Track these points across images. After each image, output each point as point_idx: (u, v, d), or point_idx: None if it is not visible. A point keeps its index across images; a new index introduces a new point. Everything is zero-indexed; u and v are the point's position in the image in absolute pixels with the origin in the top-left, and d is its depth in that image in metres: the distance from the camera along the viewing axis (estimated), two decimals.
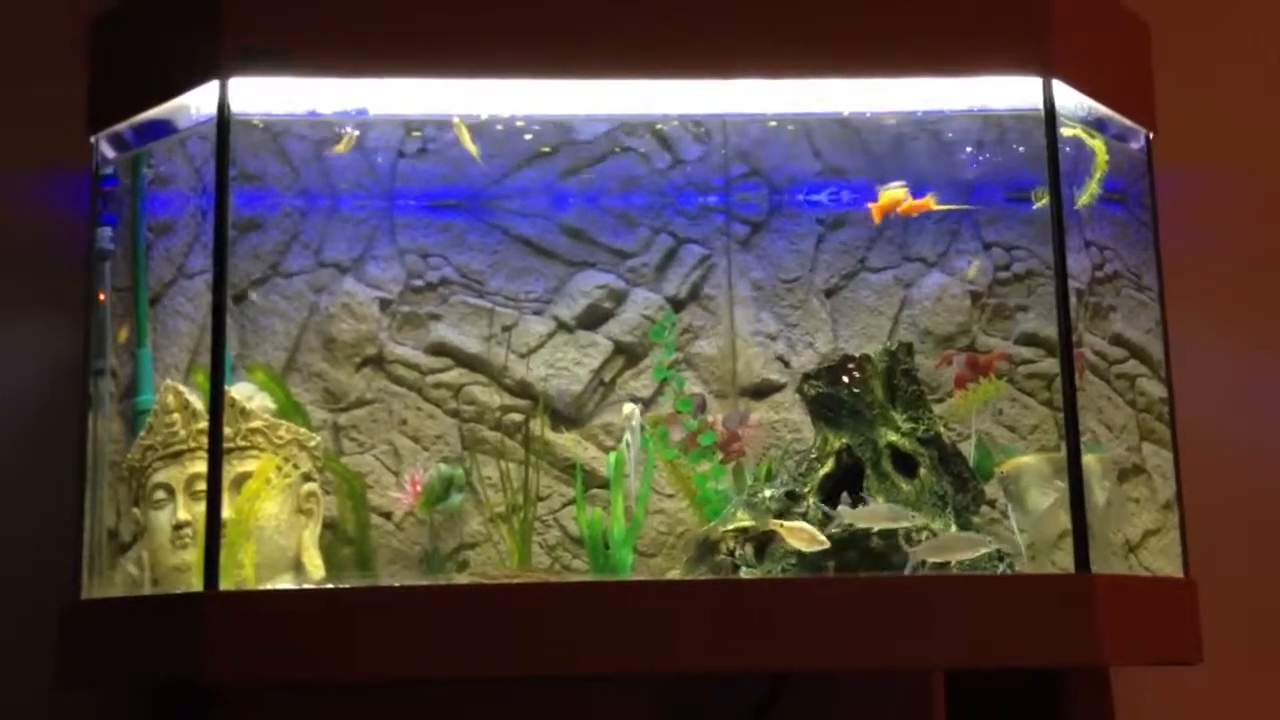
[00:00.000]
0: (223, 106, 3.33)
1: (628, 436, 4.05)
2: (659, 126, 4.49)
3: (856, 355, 3.95)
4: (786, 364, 4.33)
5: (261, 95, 3.57)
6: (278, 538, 3.63)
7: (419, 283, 4.25)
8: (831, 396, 3.74)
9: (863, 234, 4.61)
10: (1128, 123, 4.25)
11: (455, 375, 4.22)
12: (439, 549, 4.01)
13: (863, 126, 4.53)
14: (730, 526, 3.61)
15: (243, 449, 3.85)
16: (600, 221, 4.28)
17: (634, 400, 4.32)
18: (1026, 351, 4.69)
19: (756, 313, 4.36)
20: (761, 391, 4.32)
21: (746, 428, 4.25)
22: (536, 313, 4.26)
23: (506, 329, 4.24)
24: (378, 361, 4.19)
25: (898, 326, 4.60)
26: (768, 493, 3.69)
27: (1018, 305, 4.69)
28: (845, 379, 3.92)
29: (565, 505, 4.15)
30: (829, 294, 4.40)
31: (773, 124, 4.50)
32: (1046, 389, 4.62)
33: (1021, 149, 4.36)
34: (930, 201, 4.25)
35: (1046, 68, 3.58)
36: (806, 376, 3.76)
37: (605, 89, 3.70)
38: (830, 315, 4.60)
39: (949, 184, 4.63)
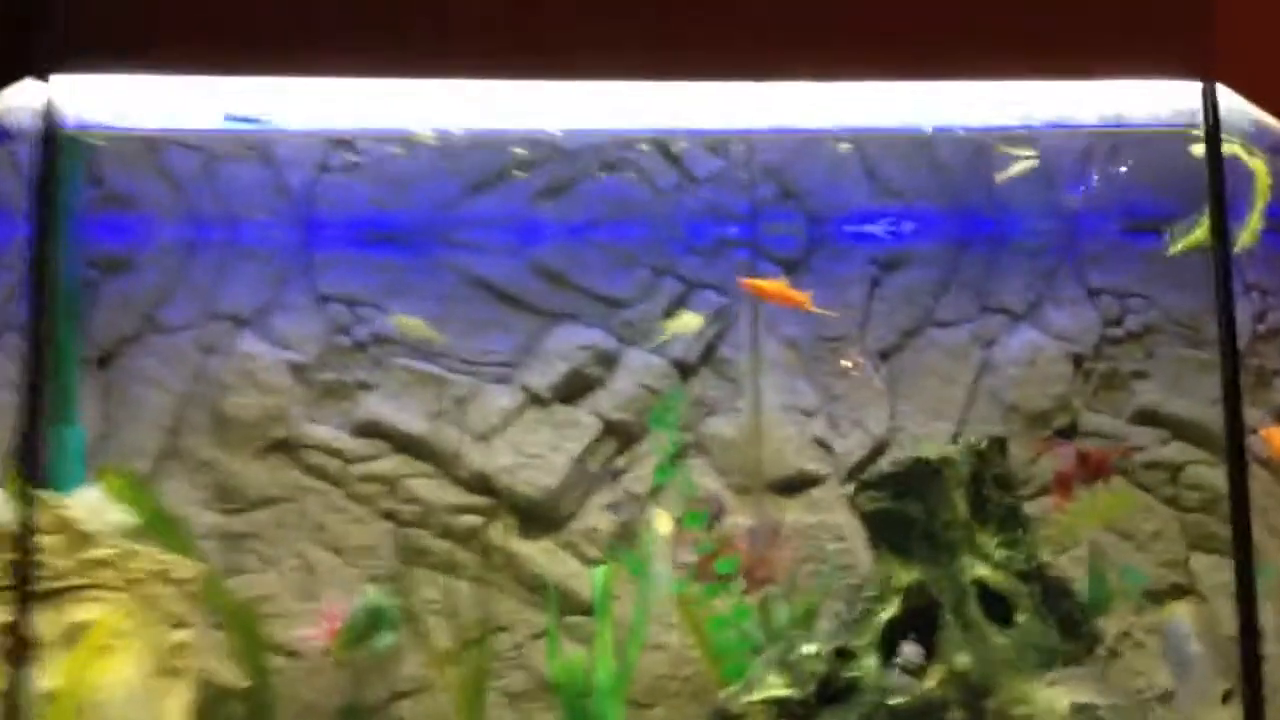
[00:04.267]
0: (48, 111, 3.04)
1: (661, 566, 3.62)
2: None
3: (932, 458, 3.35)
4: (828, 449, 4.07)
5: (134, 99, 3.36)
6: (131, 710, 3.20)
7: (344, 340, 3.97)
8: (897, 514, 3.29)
9: (930, 276, 4.20)
10: None
11: (391, 465, 3.93)
12: (361, 701, 3.74)
13: (933, 141, 4.13)
14: (757, 696, 3.20)
15: (80, 589, 3.21)
16: (585, 259, 4.03)
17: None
18: (1142, 433, 4.25)
19: (789, 381, 4.08)
20: (795, 485, 4.04)
21: (777, 547, 3.78)
22: (500, 380, 3.98)
23: (461, 403, 3.95)
24: (288, 446, 3.91)
25: (976, 400, 4.18)
26: (809, 649, 3.25)
27: (1133, 371, 4.25)
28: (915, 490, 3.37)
29: (534, 638, 3.87)
30: (885, 356, 4.16)
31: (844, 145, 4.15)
32: (1170, 483, 4.20)
33: (1142, 169, 4.06)
34: (806, 301, 3.88)
35: (1208, 71, 3.29)
36: (863, 485, 3.35)
37: (597, 92, 3.44)
38: (887, 384, 4.15)
39: (1044, 212, 4.26)
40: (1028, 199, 4.14)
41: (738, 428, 4.04)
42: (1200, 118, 3.39)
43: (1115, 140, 3.99)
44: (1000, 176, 3.84)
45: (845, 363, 3.97)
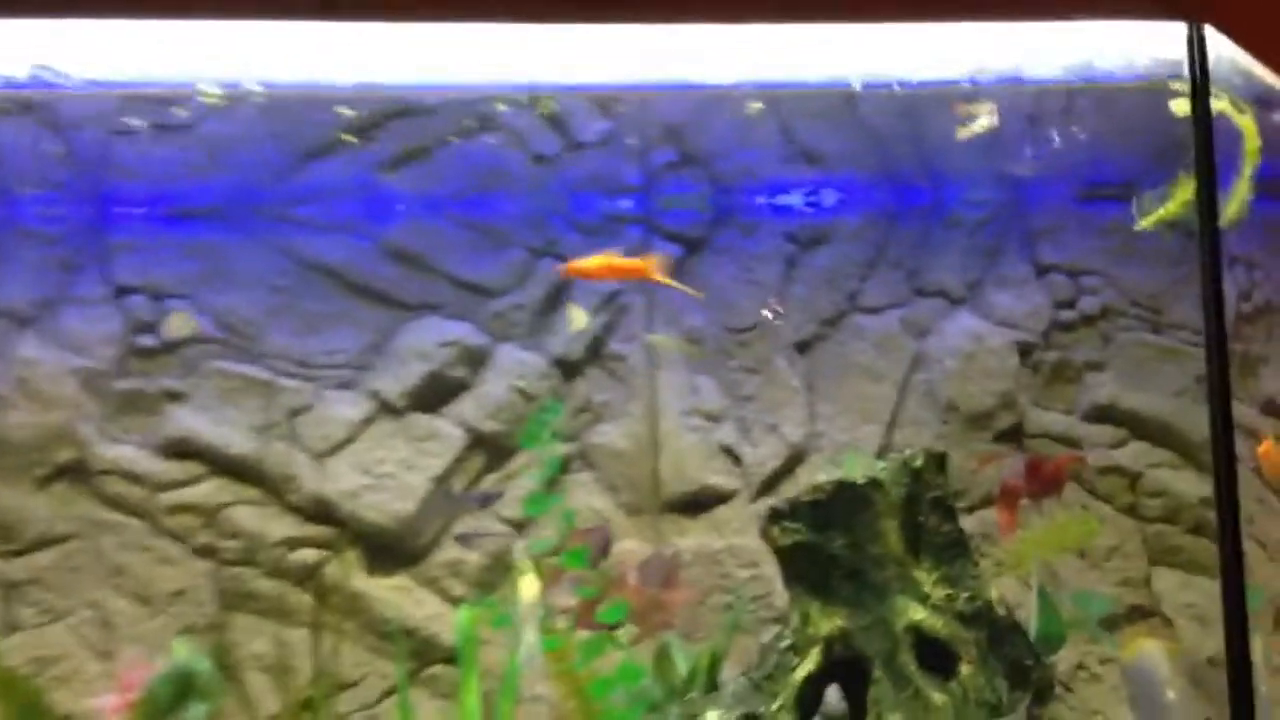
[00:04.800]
0: None
1: (529, 635, 3.19)
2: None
3: (858, 482, 3.03)
4: (737, 459, 3.79)
5: None
6: None
7: (148, 341, 3.60)
8: (817, 549, 2.98)
9: (855, 254, 3.93)
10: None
11: (209, 491, 3.60)
12: None
13: (860, 98, 3.83)
14: None
15: None
16: (447, 239, 3.71)
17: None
18: (1096, 433, 4.00)
19: (690, 379, 3.79)
20: (698, 503, 3.77)
21: (674, 589, 3.36)
22: (344, 386, 3.66)
23: (295, 414, 3.62)
24: (79, 472, 3.55)
25: (907, 399, 3.90)
26: (712, 716, 2.92)
27: (1087, 362, 4.01)
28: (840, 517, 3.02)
29: (388, 695, 3.55)
30: (802, 348, 3.89)
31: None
32: (1128, 490, 3.94)
33: (1104, 128, 3.82)
34: (650, 267, 3.61)
35: (1196, 9, 3.06)
36: (776, 515, 2.99)
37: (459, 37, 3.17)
38: (804, 382, 3.86)
39: (987, 179, 4.00)
40: (968, 164, 3.91)
41: (630, 436, 3.74)
42: (1183, 68, 3.11)
43: (1075, 95, 3.78)
44: (962, 133, 3.55)
45: (766, 312, 3.80)
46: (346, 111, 3.59)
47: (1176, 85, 3.21)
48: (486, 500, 3.48)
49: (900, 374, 3.87)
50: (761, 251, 3.83)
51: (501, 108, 3.68)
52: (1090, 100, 3.73)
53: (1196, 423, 3.78)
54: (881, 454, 3.74)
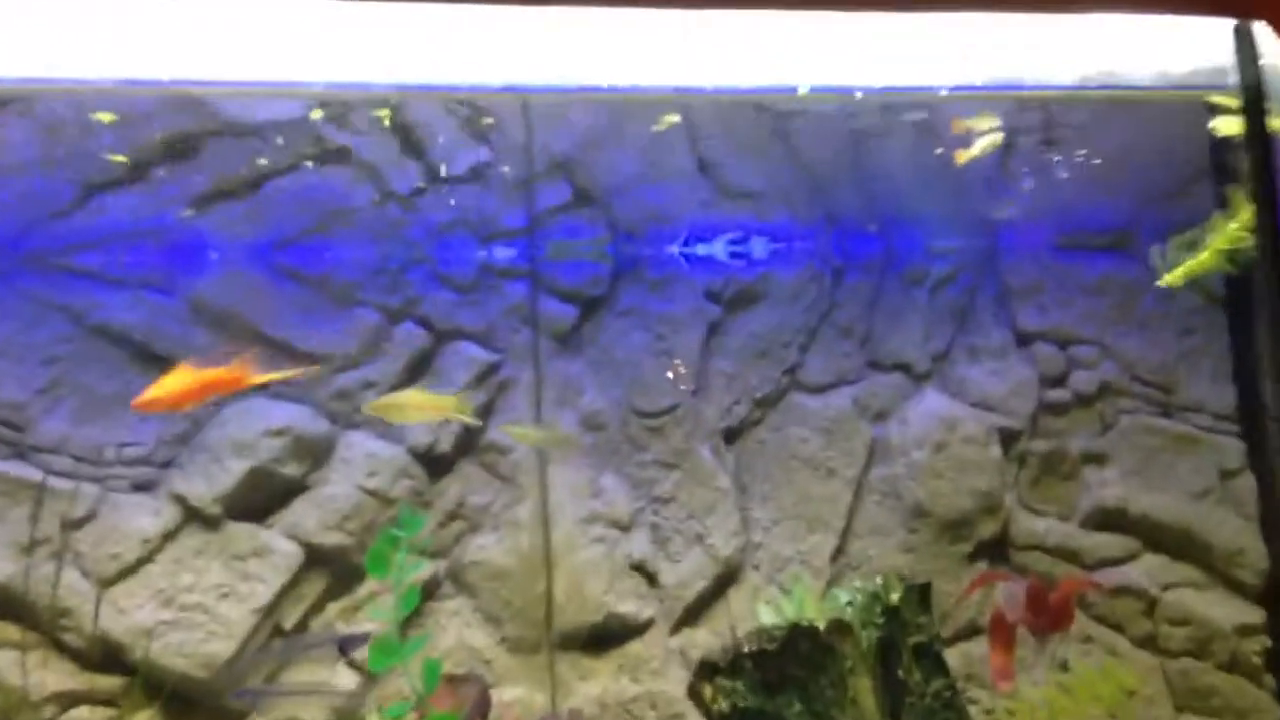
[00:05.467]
0: None
1: None
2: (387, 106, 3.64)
3: (818, 625, 2.91)
4: (652, 579, 3.68)
5: None
6: None
7: None
8: (764, 716, 2.87)
9: (793, 317, 3.88)
10: None
11: None
12: None
13: (802, 112, 3.75)
14: None
15: None
16: (275, 296, 3.56)
17: None
18: (1102, 543, 3.89)
19: (592, 476, 3.68)
20: (605, 637, 3.63)
21: None
22: (139, 488, 3.43)
23: (73, 526, 3.36)
24: None
25: (864, 500, 3.83)
26: None
27: (1085, 454, 3.94)
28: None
29: None
30: (731, 436, 3.81)
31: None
32: (1145, 614, 3.85)
33: (1107, 154, 3.79)
34: (242, 373, 3.28)
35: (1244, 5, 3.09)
36: (708, 669, 2.92)
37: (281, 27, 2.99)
38: (734, 479, 3.76)
39: (956, 222, 3.96)
40: (932, 203, 3.88)
41: (516, 551, 3.61)
42: (1226, 77, 3.08)
43: (1064, 111, 3.75)
44: (961, 157, 3.53)
45: (670, 374, 3.77)
46: (106, 118, 3.43)
47: (1216, 98, 3.27)
48: (346, 644, 3.27)
49: (855, 469, 3.81)
50: (676, 313, 3.78)
51: (345, 126, 3.55)
52: (1087, 118, 3.76)
53: (1225, 531, 3.87)
54: (837, 576, 3.70)
